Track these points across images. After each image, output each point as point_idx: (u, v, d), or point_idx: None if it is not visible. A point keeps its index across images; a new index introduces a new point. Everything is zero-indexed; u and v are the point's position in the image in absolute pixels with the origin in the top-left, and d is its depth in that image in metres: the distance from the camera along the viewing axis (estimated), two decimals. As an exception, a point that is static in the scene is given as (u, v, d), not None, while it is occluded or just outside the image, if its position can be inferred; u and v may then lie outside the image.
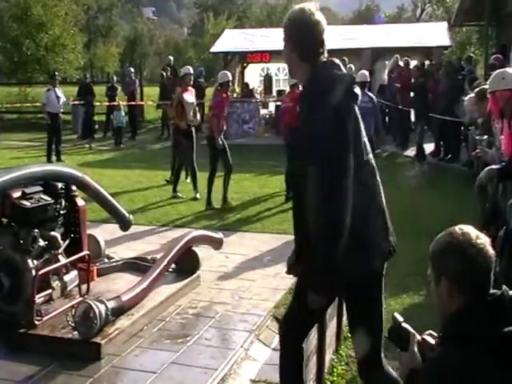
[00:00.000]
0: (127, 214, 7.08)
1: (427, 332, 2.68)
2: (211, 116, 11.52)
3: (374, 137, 10.51)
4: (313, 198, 3.36)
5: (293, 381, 3.95)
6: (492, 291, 2.39)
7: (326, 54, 3.54)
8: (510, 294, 2.38)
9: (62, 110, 17.75)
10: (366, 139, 3.55)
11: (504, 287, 2.39)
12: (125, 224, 7.11)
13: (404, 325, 2.77)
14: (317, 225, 3.33)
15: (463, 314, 2.36)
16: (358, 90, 3.52)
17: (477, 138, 8.63)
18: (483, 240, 2.39)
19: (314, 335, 4.22)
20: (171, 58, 27.88)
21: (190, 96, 12.01)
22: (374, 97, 11.77)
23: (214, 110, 11.44)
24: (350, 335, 5.65)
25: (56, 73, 19.94)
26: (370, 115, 10.47)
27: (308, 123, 3.46)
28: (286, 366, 3.90)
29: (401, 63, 18.85)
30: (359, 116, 3.51)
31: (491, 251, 2.39)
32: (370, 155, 3.57)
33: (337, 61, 3.55)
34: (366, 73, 12.06)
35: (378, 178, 3.61)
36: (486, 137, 7.92)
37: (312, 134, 3.39)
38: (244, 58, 24.18)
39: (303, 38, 3.47)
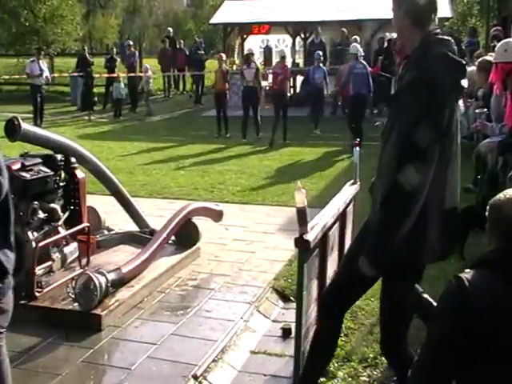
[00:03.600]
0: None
1: None
2: None
3: (369, 97, 14.63)
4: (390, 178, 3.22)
5: (326, 354, 3.97)
6: None
7: (436, 22, 3.44)
8: None
9: (43, 82, 18.85)
10: (458, 138, 3.39)
11: None
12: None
13: (425, 295, 2.77)
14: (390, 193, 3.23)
15: (494, 249, 2.40)
16: (465, 82, 3.36)
17: (476, 111, 8.59)
18: None
19: (313, 307, 4.24)
20: (170, 29, 27.73)
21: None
22: (366, 64, 14.27)
23: None
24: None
25: (42, 47, 20.58)
26: (364, 77, 13.73)
27: (403, 97, 3.29)
28: (324, 339, 3.85)
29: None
30: (457, 109, 3.35)
31: None
32: (457, 151, 3.40)
33: (451, 39, 3.40)
34: (358, 45, 14.52)
35: (458, 175, 3.46)
36: (485, 110, 7.89)
37: (403, 113, 3.22)
38: (243, 29, 23.97)
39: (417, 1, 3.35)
